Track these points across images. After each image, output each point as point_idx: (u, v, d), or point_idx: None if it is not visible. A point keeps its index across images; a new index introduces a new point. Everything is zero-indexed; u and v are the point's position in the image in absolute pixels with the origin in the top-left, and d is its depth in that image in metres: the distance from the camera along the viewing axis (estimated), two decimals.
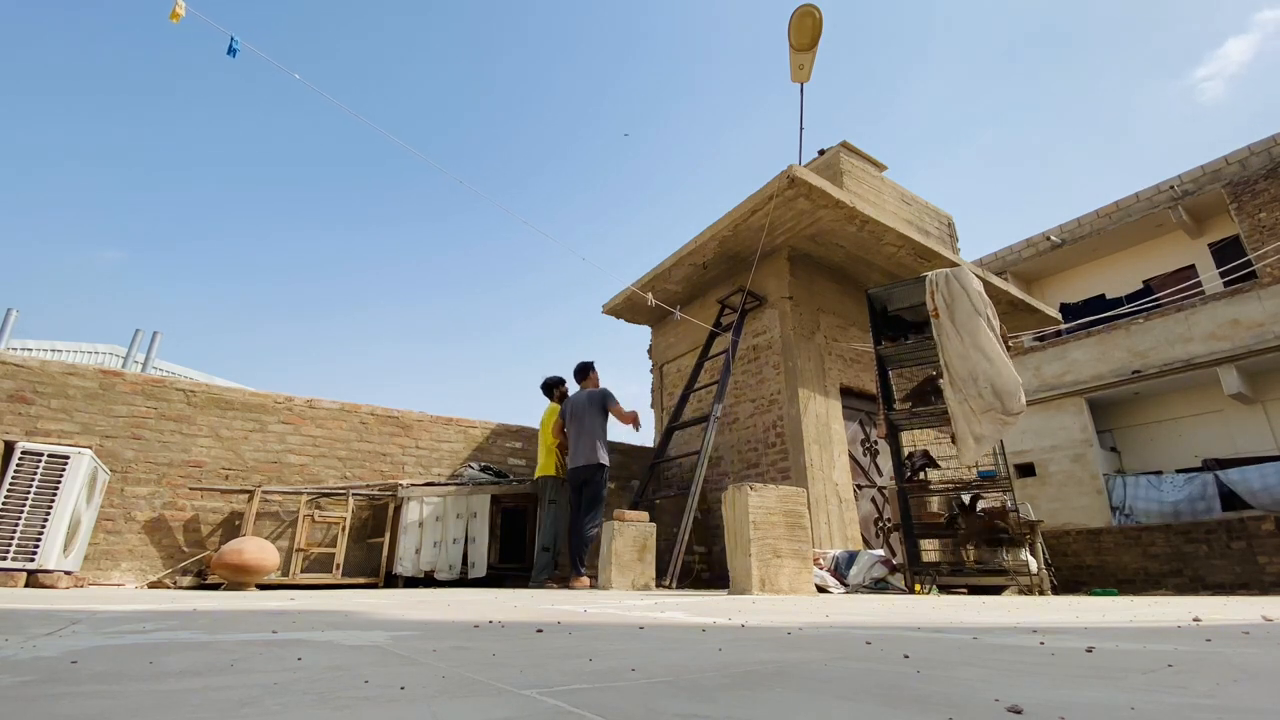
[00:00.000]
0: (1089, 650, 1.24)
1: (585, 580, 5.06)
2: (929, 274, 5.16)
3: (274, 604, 2.60)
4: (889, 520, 6.26)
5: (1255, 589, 7.38)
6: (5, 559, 3.48)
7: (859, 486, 6.21)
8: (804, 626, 1.77)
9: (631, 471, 7.05)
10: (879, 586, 4.74)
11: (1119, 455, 10.43)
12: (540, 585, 5.18)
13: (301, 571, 4.92)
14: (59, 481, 3.72)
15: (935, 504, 5.71)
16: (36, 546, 3.56)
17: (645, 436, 8.07)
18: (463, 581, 5.23)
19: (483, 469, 5.89)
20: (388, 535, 5.11)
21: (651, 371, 8.37)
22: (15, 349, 13.27)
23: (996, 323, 4.92)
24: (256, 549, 4.27)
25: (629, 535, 4.78)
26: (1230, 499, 8.38)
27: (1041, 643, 1.38)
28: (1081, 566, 8.97)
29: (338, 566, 4.92)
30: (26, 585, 3.54)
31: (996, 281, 7.33)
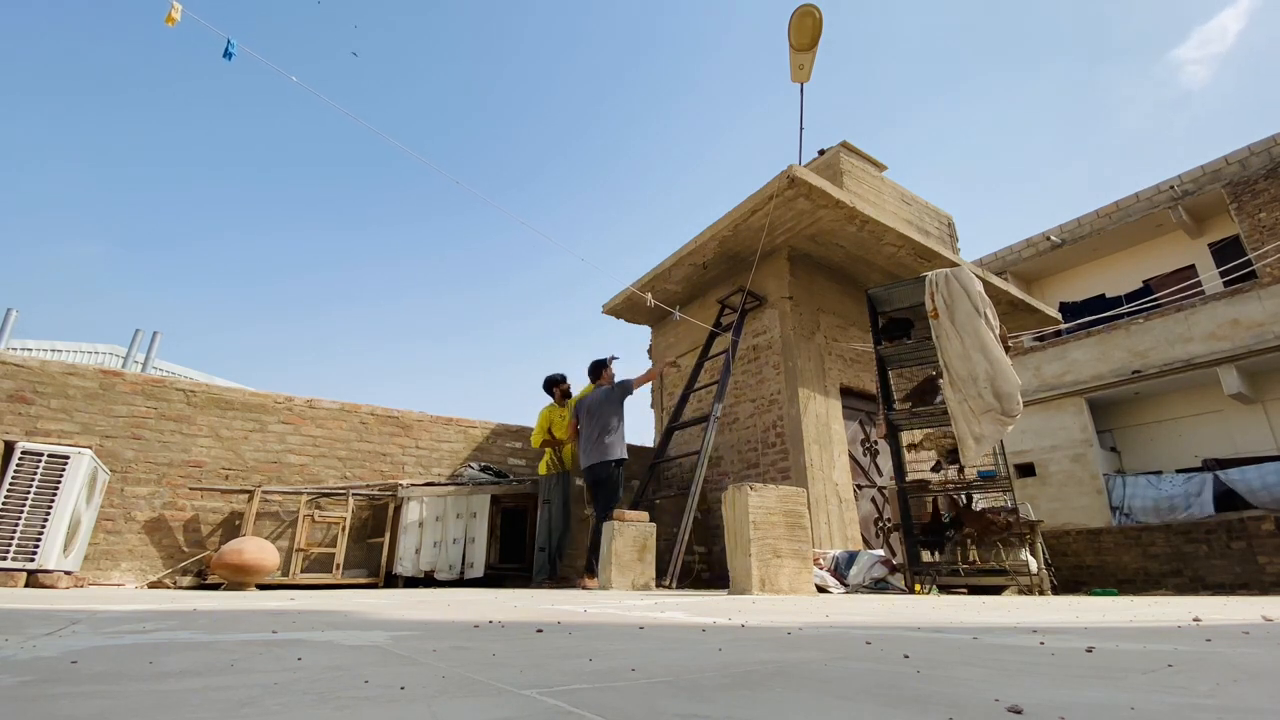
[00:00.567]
0: (1089, 650, 1.24)
1: (595, 580, 5.04)
2: (929, 274, 5.15)
3: (274, 604, 2.60)
4: (889, 520, 6.25)
5: (1255, 589, 7.38)
6: (5, 559, 3.48)
7: (859, 486, 6.21)
8: (804, 626, 1.77)
9: (631, 471, 7.05)
10: (879, 586, 4.74)
11: (1119, 455, 10.43)
12: (539, 585, 5.19)
13: (301, 571, 4.92)
14: (59, 481, 3.72)
15: (933, 504, 5.70)
16: (36, 546, 3.56)
17: (645, 437, 8.07)
18: (462, 581, 5.23)
19: (483, 469, 5.89)
20: (388, 535, 5.12)
21: None
22: (15, 349, 13.26)
23: (996, 323, 4.91)
24: (256, 549, 4.27)
25: (629, 535, 4.77)
26: (1230, 499, 8.38)
27: (1041, 643, 1.38)
28: (1081, 566, 8.97)
29: (338, 566, 4.92)
30: (26, 585, 3.54)
31: (996, 281, 7.32)
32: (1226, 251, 10.49)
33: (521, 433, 6.51)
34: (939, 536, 5.09)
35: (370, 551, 5.31)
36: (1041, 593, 4.61)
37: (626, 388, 5.74)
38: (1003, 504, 5.15)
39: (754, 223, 6.09)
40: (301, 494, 5.01)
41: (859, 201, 6.06)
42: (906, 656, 1.14)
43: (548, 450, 5.78)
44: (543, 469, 5.74)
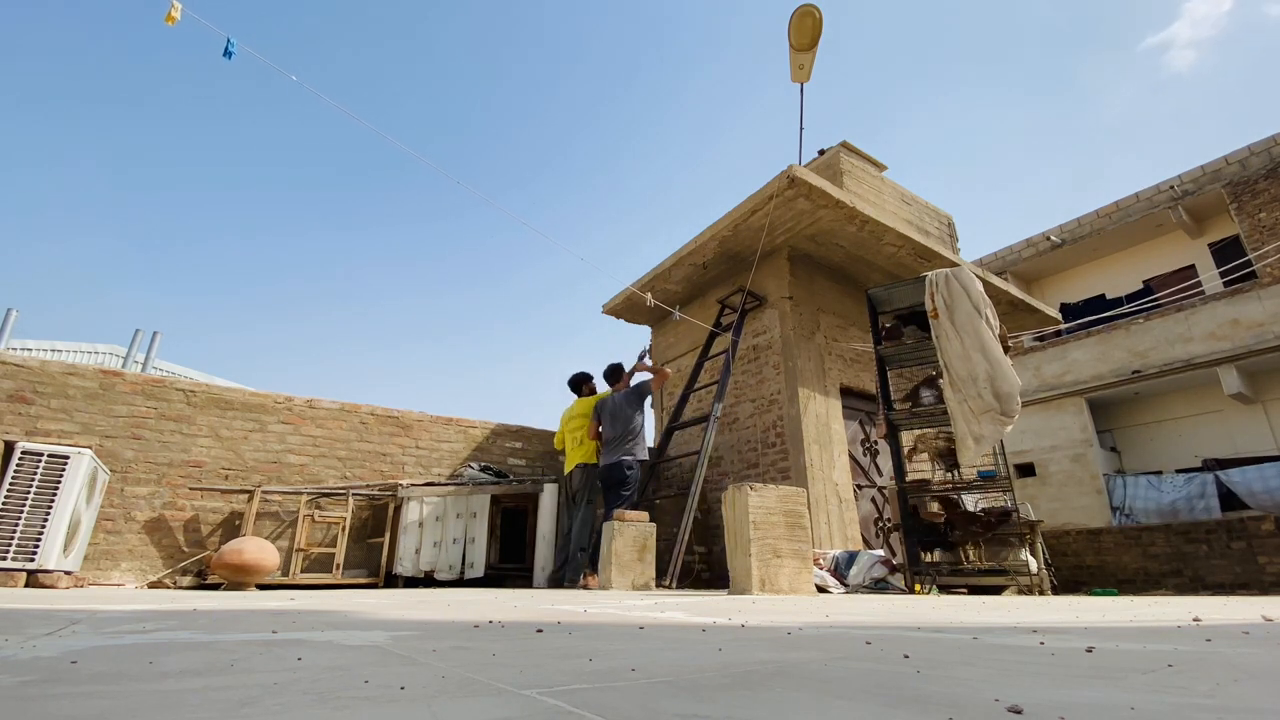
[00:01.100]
0: (1089, 650, 1.24)
1: (597, 579, 5.02)
2: (929, 274, 5.15)
3: (274, 604, 2.60)
4: (889, 520, 6.25)
5: (1255, 589, 7.38)
6: (5, 559, 3.48)
7: (859, 486, 6.21)
8: (804, 626, 1.77)
9: None
10: (879, 586, 4.74)
11: (1119, 455, 10.43)
12: (574, 584, 5.11)
13: (301, 571, 4.92)
14: (59, 481, 3.72)
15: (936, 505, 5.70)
16: (36, 546, 3.56)
17: (646, 437, 8.07)
18: (462, 581, 5.23)
19: (483, 469, 5.89)
20: (388, 535, 5.12)
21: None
22: (15, 349, 13.26)
23: (996, 323, 4.91)
24: (256, 549, 4.28)
25: (629, 535, 4.77)
26: (1230, 499, 8.38)
27: (1041, 643, 1.38)
28: (1081, 566, 8.97)
29: (338, 566, 4.92)
30: (26, 585, 3.54)
31: (996, 281, 7.32)
32: (1226, 251, 10.49)
33: (521, 433, 6.52)
34: (931, 536, 5.10)
35: (370, 551, 5.31)
36: (1041, 593, 4.61)
37: (645, 390, 5.86)
38: (1003, 504, 5.15)
39: (754, 223, 6.08)
40: (301, 494, 5.01)
41: (859, 201, 6.06)
42: (906, 656, 1.14)
43: (587, 443, 5.74)
44: (578, 459, 5.67)
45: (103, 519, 4.44)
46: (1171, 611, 2.52)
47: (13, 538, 3.53)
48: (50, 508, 3.65)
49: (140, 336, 14.33)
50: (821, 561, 4.89)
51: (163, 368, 15.19)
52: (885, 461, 6.42)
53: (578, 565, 5.24)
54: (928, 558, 5.06)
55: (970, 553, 5.16)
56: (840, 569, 4.85)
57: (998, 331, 4.85)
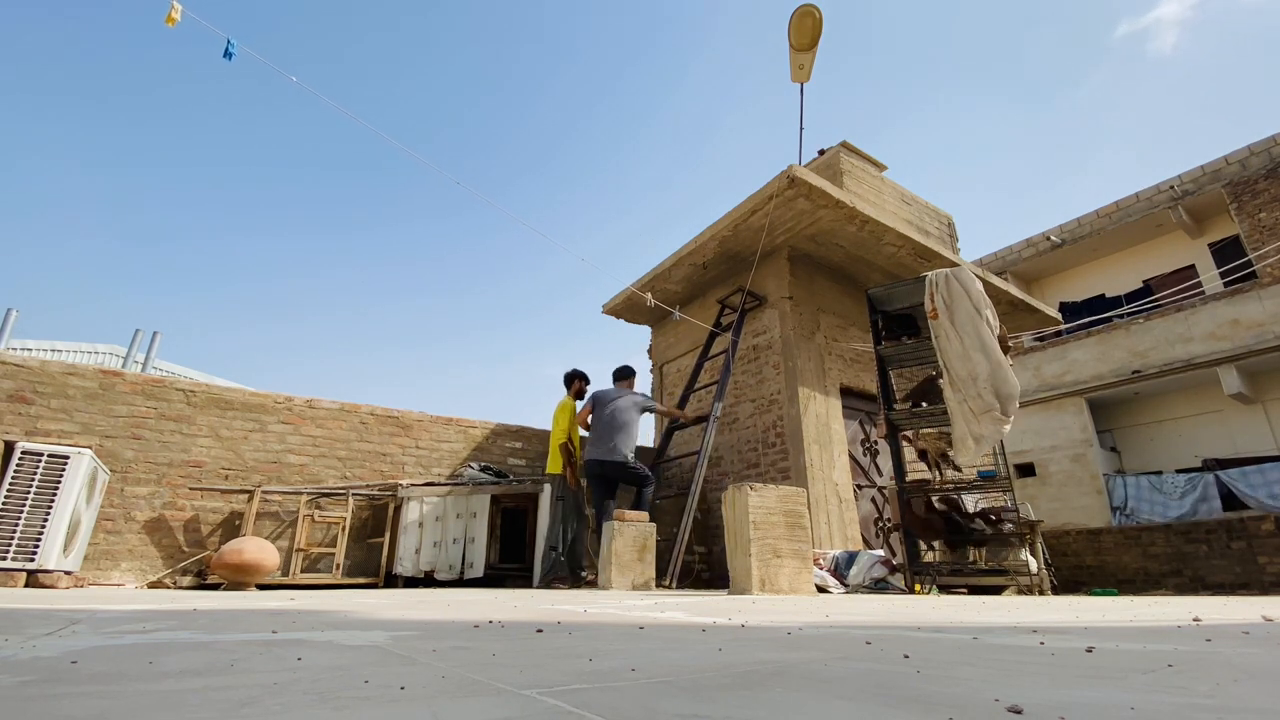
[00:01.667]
0: (1089, 650, 1.24)
1: (567, 581, 4.99)
2: (929, 274, 5.15)
3: (274, 604, 2.60)
4: (889, 520, 6.25)
5: (1255, 589, 7.38)
6: (5, 559, 3.48)
7: (859, 486, 6.21)
8: (804, 626, 1.77)
9: None
10: (879, 586, 4.74)
11: (1119, 455, 10.43)
12: (547, 585, 5.13)
13: (301, 571, 4.91)
14: (59, 481, 3.72)
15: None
16: (36, 546, 3.56)
17: (645, 437, 8.07)
18: (462, 581, 5.23)
19: (483, 469, 5.88)
20: (388, 535, 5.11)
21: (651, 371, 8.37)
22: (15, 349, 13.26)
23: (996, 323, 4.91)
24: (256, 549, 4.27)
25: (629, 535, 4.77)
26: (1230, 499, 8.38)
27: (1041, 643, 1.38)
28: (1081, 566, 8.97)
29: (338, 566, 4.92)
30: (26, 585, 3.54)
31: (996, 281, 7.32)
32: (1226, 251, 10.49)
33: (521, 433, 6.51)
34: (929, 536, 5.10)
35: (370, 551, 5.31)
36: (1041, 593, 4.61)
37: (653, 410, 5.83)
38: (1002, 504, 5.15)
39: (754, 223, 6.08)
40: (301, 494, 5.01)
41: (859, 201, 6.06)
42: (907, 656, 1.14)
43: (554, 451, 5.67)
44: (558, 469, 5.58)
45: (103, 519, 4.44)
46: (1171, 611, 2.52)
47: (13, 538, 3.53)
48: (50, 508, 3.65)
49: (140, 336, 14.33)
50: (821, 561, 4.89)
51: (163, 368, 15.19)
52: (885, 461, 6.42)
53: (552, 563, 5.22)
54: (928, 557, 5.06)
55: (971, 553, 5.16)
56: (840, 569, 4.85)
57: (998, 332, 4.85)
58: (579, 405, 5.87)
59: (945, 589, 4.88)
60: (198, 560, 4.67)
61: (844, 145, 7.64)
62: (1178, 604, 3.27)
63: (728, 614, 2.22)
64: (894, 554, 5.73)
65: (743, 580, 3.92)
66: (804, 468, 5.66)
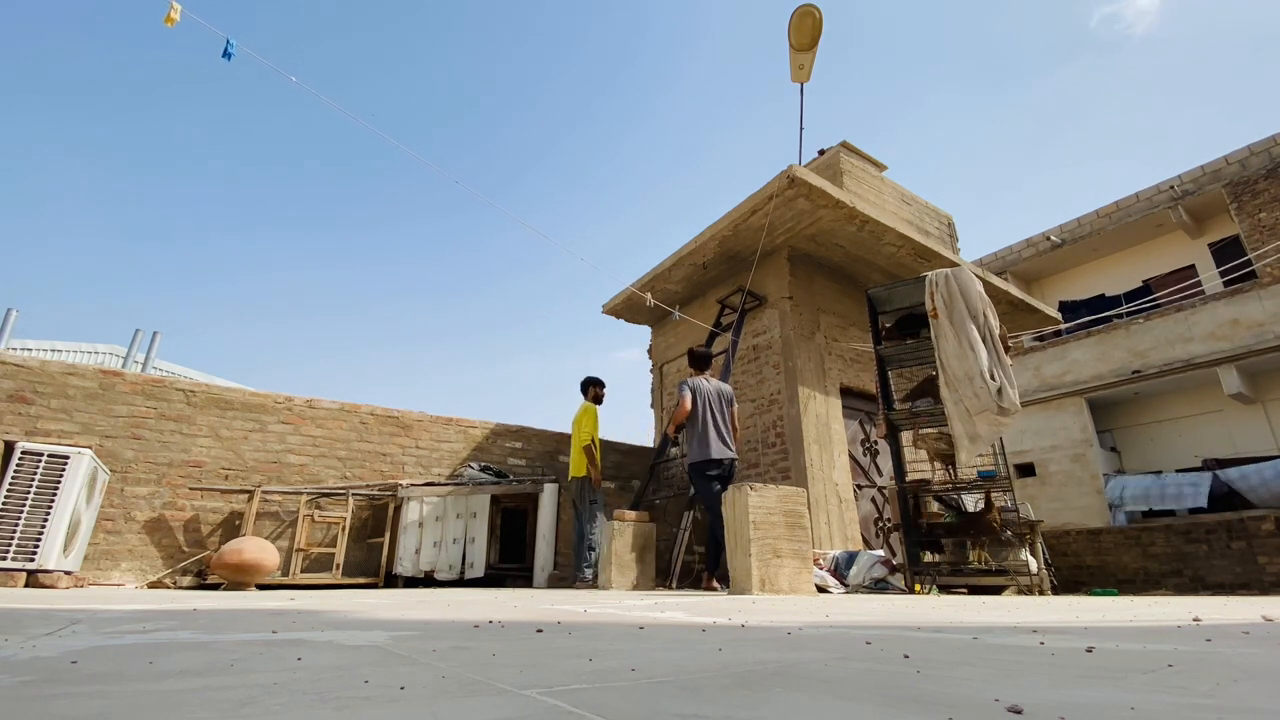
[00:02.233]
0: (1089, 650, 1.24)
1: (716, 582, 4.68)
2: (929, 274, 5.15)
3: (274, 604, 2.60)
4: (889, 520, 6.25)
5: (1255, 589, 7.38)
6: (5, 559, 3.48)
7: (859, 486, 6.21)
8: (804, 626, 1.77)
9: (631, 471, 7.05)
10: (879, 586, 4.74)
11: (1119, 455, 10.42)
12: (591, 584, 5.01)
13: (301, 571, 4.92)
14: (59, 481, 3.72)
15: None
16: (36, 546, 3.56)
17: (645, 436, 8.07)
18: (462, 581, 5.23)
19: (483, 469, 5.89)
20: (387, 535, 5.12)
21: (651, 371, 8.37)
22: (15, 349, 13.26)
23: (996, 323, 4.91)
24: (256, 549, 4.28)
25: (629, 535, 4.77)
26: (1230, 498, 8.38)
27: (1041, 643, 1.38)
28: (1081, 566, 8.97)
29: (338, 566, 4.92)
30: (26, 585, 3.54)
31: (996, 281, 7.32)
32: (1226, 251, 10.48)
33: (521, 433, 6.51)
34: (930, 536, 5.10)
35: (370, 551, 5.31)
36: (1041, 593, 4.61)
37: (733, 398, 5.27)
38: (1002, 504, 5.14)
39: (754, 223, 6.08)
40: (301, 494, 5.01)
41: (859, 201, 6.06)
42: (906, 656, 1.14)
43: (578, 453, 5.50)
44: (583, 471, 5.41)
45: (103, 519, 4.44)
46: (1171, 611, 2.52)
47: (13, 538, 3.53)
48: (50, 508, 3.65)
49: (140, 336, 14.33)
50: (821, 561, 4.89)
51: (163, 368, 15.19)
52: (885, 461, 6.43)
53: (597, 558, 5.06)
54: (933, 557, 5.06)
55: (971, 553, 5.16)
56: (840, 569, 4.85)
57: (998, 332, 4.85)
58: (598, 410, 5.71)
59: (945, 589, 4.88)
60: (198, 560, 4.67)
61: (844, 145, 7.64)
62: (1178, 604, 3.27)
63: (728, 614, 2.22)
64: (894, 554, 5.72)
65: (743, 580, 3.92)
66: (804, 468, 5.66)
